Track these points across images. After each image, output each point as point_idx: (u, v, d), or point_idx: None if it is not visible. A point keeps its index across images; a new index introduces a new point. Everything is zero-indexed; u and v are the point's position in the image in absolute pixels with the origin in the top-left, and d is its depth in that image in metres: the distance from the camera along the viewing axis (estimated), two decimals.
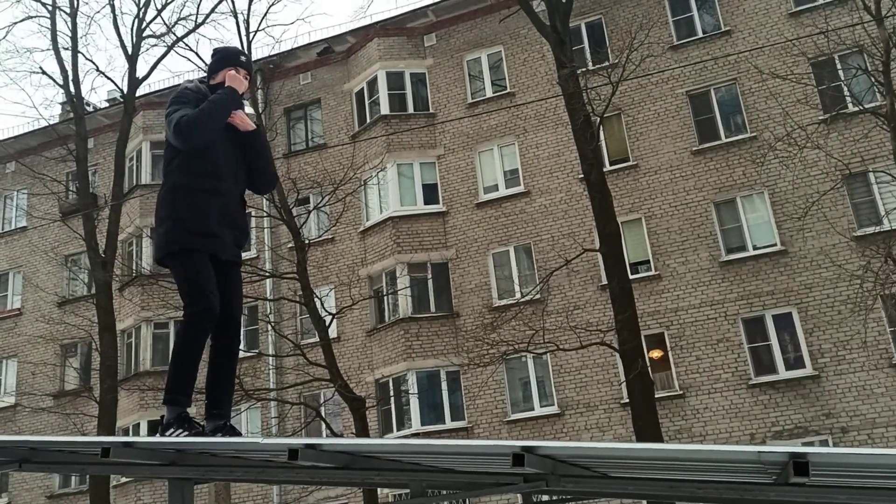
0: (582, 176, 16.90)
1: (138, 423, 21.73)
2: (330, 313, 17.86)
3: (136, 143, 24.38)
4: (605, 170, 16.97)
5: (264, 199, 18.38)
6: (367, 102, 23.21)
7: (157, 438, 4.30)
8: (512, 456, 3.35)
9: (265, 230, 22.64)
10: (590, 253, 16.86)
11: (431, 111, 22.69)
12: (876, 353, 17.19)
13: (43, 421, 23.48)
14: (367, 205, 22.21)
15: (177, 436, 4.26)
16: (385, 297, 21.34)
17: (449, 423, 19.74)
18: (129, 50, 20.64)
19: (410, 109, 22.79)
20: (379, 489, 16.15)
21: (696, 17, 21.07)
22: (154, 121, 24.12)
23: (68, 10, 20.91)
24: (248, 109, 4.85)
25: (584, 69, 18.50)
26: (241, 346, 4.87)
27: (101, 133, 25.30)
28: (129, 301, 23.14)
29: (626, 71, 14.88)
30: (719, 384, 18.11)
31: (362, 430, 16.02)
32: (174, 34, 21.12)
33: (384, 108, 22.61)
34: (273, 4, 22.67)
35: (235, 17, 18.96)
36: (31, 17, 21.80)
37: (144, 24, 20.78)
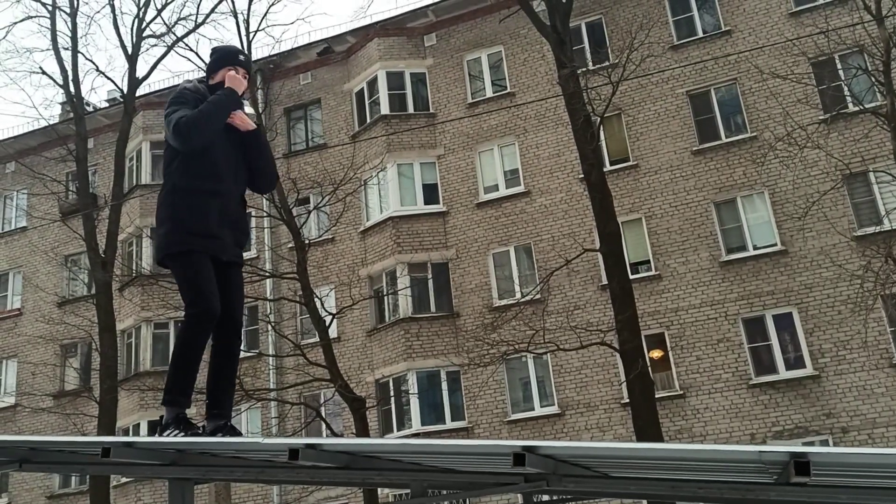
0: (582, 176, 16.90)
1: (138, 424, 21.72)
2: (330, 313, 17.86)
3: (136, 143, 24.38)
4: (605, 170, 16.98)
5: (264, 199, 18.38)
6: (367, 102, 23.20)
7: (158, 438, 4.30)
8: (513, 456, 3.35)
9: (265, 230, 22.63)
10: (590, 253, 16.86)
11: (431, 111, 22.69)
12: (876, 353, 17.19)
13: (43, 421, 23.49)
14: (368, 205, 22.21)
15: (174, 437, 4.26)
16: (385, 297, 21.33)
17: (449, 424, 19.74)
18: (129, 50, 20.64)
19: (410, 109, 22.78)
20: (379, 489, 16.15)
21: (696, 16, 21.07)
22: (154, 121, 24.12)
23: (68, 10, 20.94)
24: (248, 109, 4.83)
25: (584, 69, 18.49)
26: (242, 347, 4.87)
27: (101, 133, 25.30)
28: (129, 301, 23.14)
29: (627, 71, 14.88)
30: (720, 384, 18.11)
31: (362, 431, 16.02)
32: (174, 34, 21.15)
33: (384, 108, 22.61)
34: (273, 4, 22.71)
35: (235, 17, 18.98)
36: (31, 17, 21.81)
37: (144, 24, 20.79)
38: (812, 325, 17.85)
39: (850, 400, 17.13)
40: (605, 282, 16.93)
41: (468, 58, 22.86)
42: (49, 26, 20.84)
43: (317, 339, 17.62)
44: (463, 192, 21.71)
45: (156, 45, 23.34)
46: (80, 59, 24.33)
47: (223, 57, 4.82)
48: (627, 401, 15.52)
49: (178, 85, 4.80)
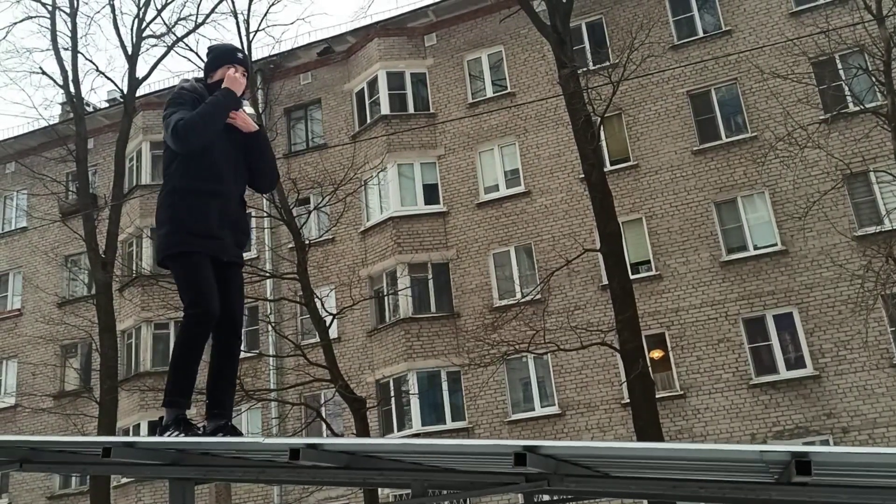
0: (582, 176, 16.90)
1: (138, 424, 21.71)
2: (330, 314, 17.85)
3: (137, 144, 24.38)
4: (605, 170, 16.98)
5: (265, 200, 18.39)
6: (367, 102, 23.20)
7: (159, 438, 4.30)
8: (514, 455, 3.34)
9: (265, 230, 22.63)
10: (590, 253, 16.86)
11: (432, 111, 22.69)
12: (877, 353, 17.19)
13: (43, 421, 23.48)
14: (368, 205, 22.20)
15: (175, 437, 4.25)
16: (386, 298, 21.33)
17: (450, 424, 19.73)
18: (129, 50, 20.65)
19: (411, 109, 22.78)
20: (380, 489, 16.15)
21: (696, 16, 21.07)
22: (154, 121, 24.11)
23: (68, 11, 20.94)
24: (249, 109, 4.79)
25: (584, 69, 18.49)
26: (242, 347, 4.86)
27: (101, 133, 25.30)
28: (129, 301, 23.14)
29: (627, 71, 14.88)
30: (720, 384, 18.10)
31: (363, 431, 16.01)
32: (174, 34, 21.17)
33: (384, 108, 22.60)
34: (273, 4, 22.71)
35: (235, 17, 18.96)
36: (31, 18, 21.82)
37: (144, 25, 20.80)
38: (812, 325, 17.85)
39: (851, 400, 17.13)
40: (605, 282, 16.93)
41: (468, 58, 22.85)
42: (49, 26, 20.85)
43: (317, 339, 17.62)
44: (463, 193, 21.71)
45: (156, 46, 23.37)
46: (80, 59, 24.36)
47: (221, 55, 4.78)
48: (628, 401, 15.51)
49: (177, 85, 4.78)
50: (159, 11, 22.06)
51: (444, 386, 20.09)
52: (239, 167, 4.65)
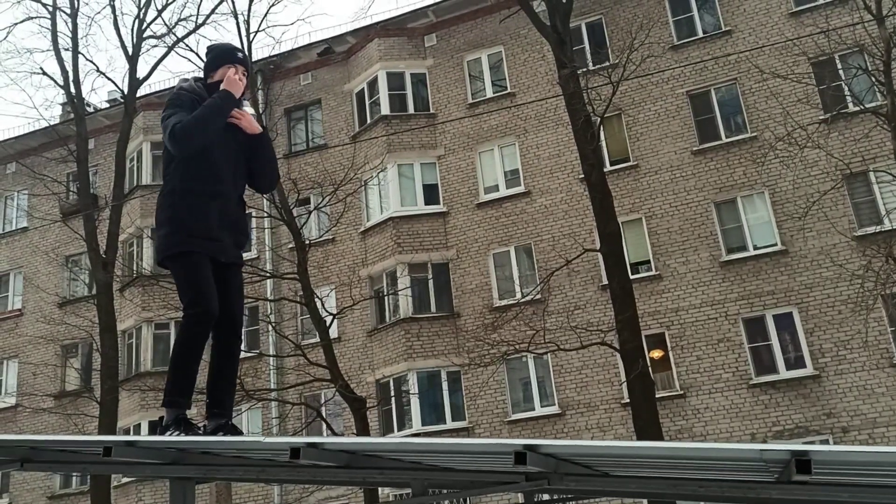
0: (582, 176, 16.90)
1: (139, 424, 21.72)
2: (330, 314, 17.86)
3: (137, 144, 24.39)
4: (605, 170, 16.98)
5: (265, 200, 18.39)
6: (367, 103, 23.20)
7: (159, 437, 4.30)
8: (514, 454, 3.35)
9: (266, 230, 22.64)
10: (590, 253, 16.86)
11: (432, 111, 22.69)
12: (877, 353, 17.19)
13: (44, 421, 23.49)
14: (368, 205, 22.21)
15: (175, 437, 4.26)
16: (386, 298, 21.33)
17: (450, 424, 19.74)
18: (130, 50, 20.66)
19: (411, 110, 22.78)
20: (380, 489, 16.15)
21: (696, 16, 21.07)
22: (154, 121, 24.08)
23: (69, 11, 20.95)
24: (249, 109, 4.78)
25: (584, 69, 18.49)
26: (242, 347, 4.86)
27: (101, 133, 25.31)
28: (129, 302, 23.15)
29: (627, 71, 14.88)
30: (720, 384, 18.10)
31: (363, 431, 16.02)
32: (175, 35, 21.17)
33: (384, 109, 22.61)
34: (273, 5, 22.61)
35: (236, 17, 18.94)
36: (32, 18, 21.82)
37: (145, 25, 20.81)
38: (812, 324, 17.85)
39: (851, 400, 17.13)
40: (605, 282, 16.93)
41: (468, 58, 22.86)
42: (50, 27, 20.87)
43: (317, 339, 17.62)
44: (463, 193, 21.72)
45: (156, 46, 23.37)
46: (81, 59, 24.41)
47: (221, 55, 4.77)
48: (628, 401, 15.52)
49: (176, 86, 4.76)
50: (160, 12, 22.04)
51: (444, 386, 20.10)
52: (239, 167, 4.64)
